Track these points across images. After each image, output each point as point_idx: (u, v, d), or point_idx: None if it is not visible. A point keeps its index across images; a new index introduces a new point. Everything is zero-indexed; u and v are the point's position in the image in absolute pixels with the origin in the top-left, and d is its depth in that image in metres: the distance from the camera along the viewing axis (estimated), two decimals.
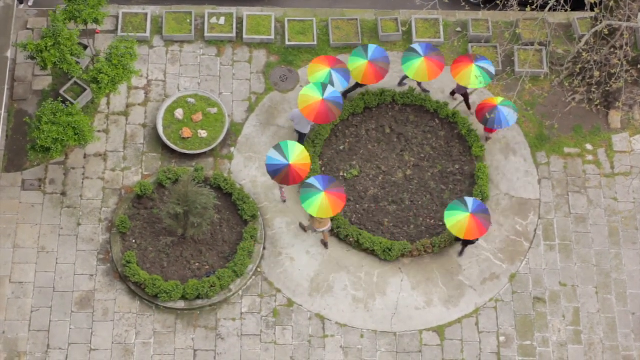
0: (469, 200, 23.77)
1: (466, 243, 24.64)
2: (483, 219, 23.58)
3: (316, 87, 24.76)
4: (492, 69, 25.24)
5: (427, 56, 25.30)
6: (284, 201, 25.53)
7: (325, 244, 25.07)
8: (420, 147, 26.50)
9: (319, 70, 25.31)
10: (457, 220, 23.57)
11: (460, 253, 25.10)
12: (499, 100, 25.26)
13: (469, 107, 26.68)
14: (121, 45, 24.74)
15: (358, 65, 25.44)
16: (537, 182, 26.35)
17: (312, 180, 23.77)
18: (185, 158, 26.11)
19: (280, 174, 23.87)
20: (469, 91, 26.58)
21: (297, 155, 23.97)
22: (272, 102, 27.05)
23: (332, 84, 25.11)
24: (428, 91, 26.91)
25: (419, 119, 26.81)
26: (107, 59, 24.66)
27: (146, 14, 27.72)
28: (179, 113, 26.40)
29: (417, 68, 25.28)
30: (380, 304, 24.72)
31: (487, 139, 26.39)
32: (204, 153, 26.16)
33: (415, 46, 25.56)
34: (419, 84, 26.79)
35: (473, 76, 25.04)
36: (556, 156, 26.68)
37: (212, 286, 24.23)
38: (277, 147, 24.01)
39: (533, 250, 25.55)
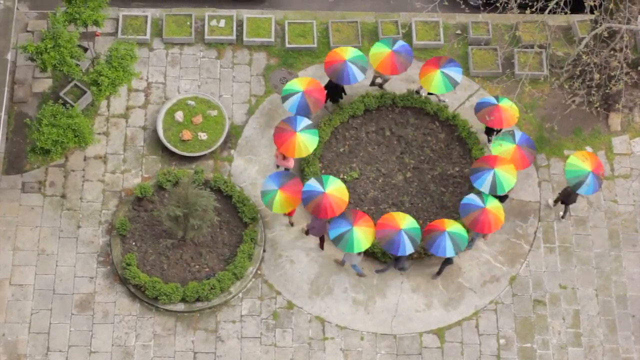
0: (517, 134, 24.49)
1: (445, 263, 24.50)
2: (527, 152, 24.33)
3: (383, 43, 25.56)
4: (459, 77, 25.33)
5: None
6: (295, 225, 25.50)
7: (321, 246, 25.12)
8: (420, 149, 26.50)
9: (432, 77, 25.40)
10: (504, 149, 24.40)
11: (438, 273, 24.95)
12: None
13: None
14: (121, 47, 24.75)
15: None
16: (537, 185, 26.35)
17: (266, 180, 24.06)
18: (185, 160, 26.11)
19: (313, 202, 23.61)
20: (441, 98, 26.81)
21: (335, 188, 23.78)
22: (272, 104, 27.05)
23: (452, 79, 25.26)
24: (444, 101, 27.01)
25: (419, 121, 26.82)
26: (107, 61, 24.68)
27: (146, 17, 27.73)
28: (179, 115, 26.40)
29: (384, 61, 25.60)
30: (380, 307, 24.71)
31: (489, 140, 26.40)
32: (204, 155, 26.16)
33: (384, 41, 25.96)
34: (435, 94, 26.75)
35: (435, 82, 25.25)
36: (556, 158, 26.68)
37: (212, 288, 24.22)
38: (317, 178, 23.95)
39: (533, 252, 25.55)
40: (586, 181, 24.09)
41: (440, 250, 23.45)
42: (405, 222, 23.59)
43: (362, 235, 23.40)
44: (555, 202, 25.64)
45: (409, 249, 23.42)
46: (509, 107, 25.06)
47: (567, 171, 24.36)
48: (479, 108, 25.24)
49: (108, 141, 26.30)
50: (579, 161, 24.30)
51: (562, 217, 25.65)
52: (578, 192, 24.26)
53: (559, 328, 24.77)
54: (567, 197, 25.04)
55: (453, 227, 23.64)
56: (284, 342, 24.29)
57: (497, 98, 25.22)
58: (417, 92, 26.83)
